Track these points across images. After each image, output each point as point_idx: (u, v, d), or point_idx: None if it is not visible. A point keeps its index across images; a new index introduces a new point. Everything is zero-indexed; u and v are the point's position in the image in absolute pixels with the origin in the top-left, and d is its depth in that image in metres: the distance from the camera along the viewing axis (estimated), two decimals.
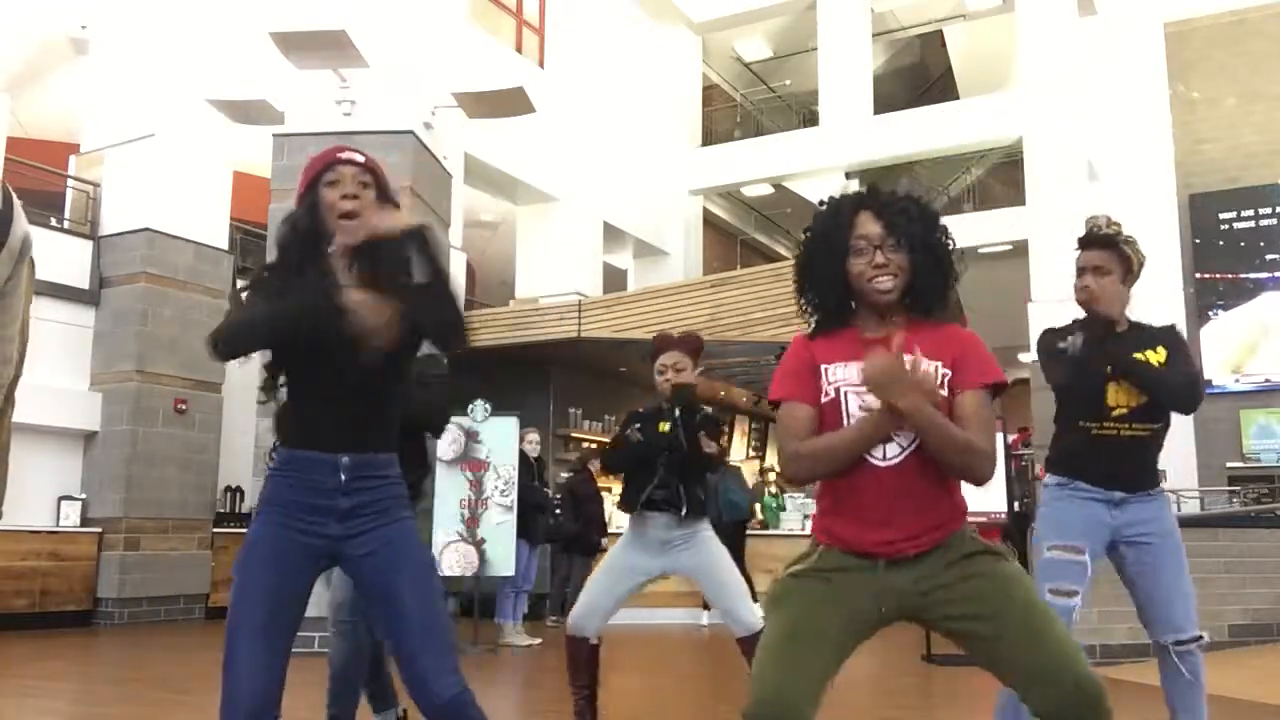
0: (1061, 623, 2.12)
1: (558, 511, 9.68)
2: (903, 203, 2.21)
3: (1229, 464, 15.48)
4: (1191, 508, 13.18)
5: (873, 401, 2.09)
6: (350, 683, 3.76)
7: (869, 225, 2.17)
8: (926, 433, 2.06)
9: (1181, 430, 16.19)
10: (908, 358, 2.03)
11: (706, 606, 9.54)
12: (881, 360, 2.03)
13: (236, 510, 11.22)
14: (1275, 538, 7.33)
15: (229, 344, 2.20)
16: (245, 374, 11.49)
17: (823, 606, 2.10)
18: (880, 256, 2.14)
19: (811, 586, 2.14)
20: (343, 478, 2.20)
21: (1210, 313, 16.51)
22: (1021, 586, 2.12)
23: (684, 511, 3.90)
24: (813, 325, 2.29)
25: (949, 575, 2.12)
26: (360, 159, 2.31)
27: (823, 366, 2.19)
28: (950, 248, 2.22)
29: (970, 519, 2.24)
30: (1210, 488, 14.65)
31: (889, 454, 2.12)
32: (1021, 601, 2.09)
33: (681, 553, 3.93)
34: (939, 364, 2.13)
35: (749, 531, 10.20)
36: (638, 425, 4.04)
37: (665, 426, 3.97)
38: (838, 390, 2.16)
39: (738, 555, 9.42)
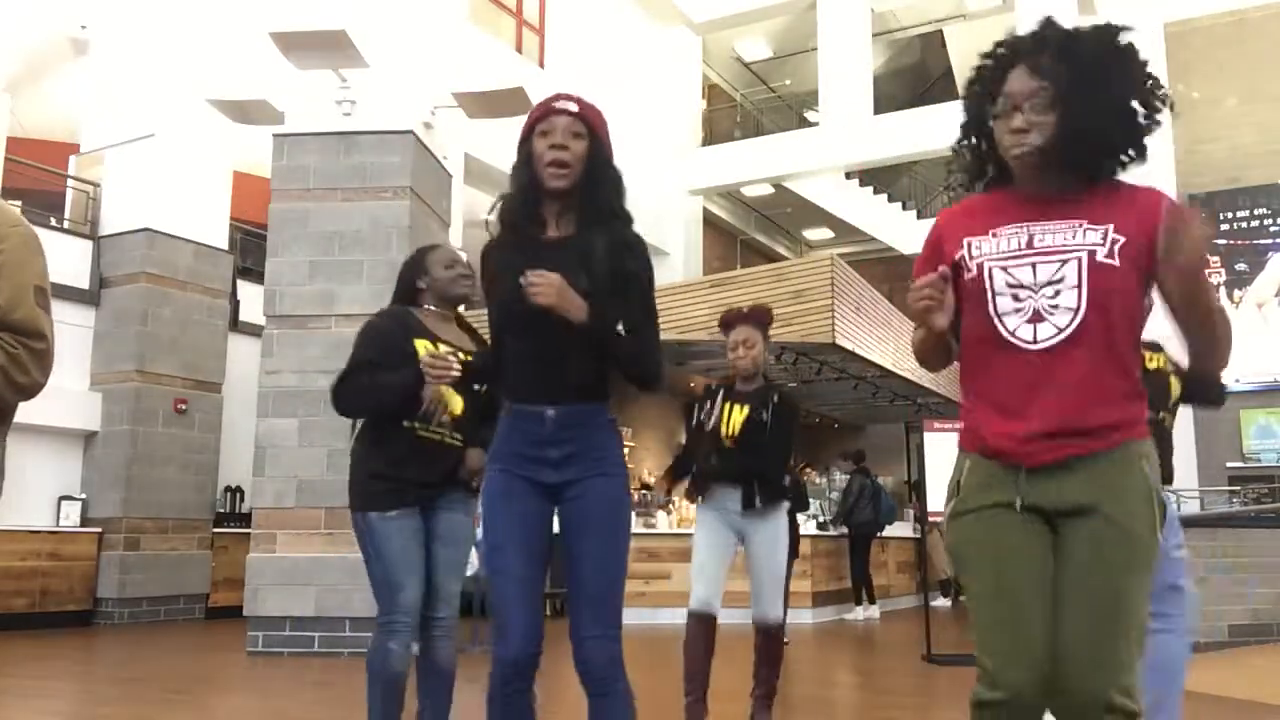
0: (1132, 623, 1.76)
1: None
2: (1064, 44, 1.85)
3: (1229, 464, 15.47)
4: (1191, 508, 13.17)
5: (1022, 277, 1.83)
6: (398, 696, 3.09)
7: (1017, 82, 1.85)
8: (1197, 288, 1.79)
9: (1182, 430, 16.23)
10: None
11: (859, 601, 10.85)
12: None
13: (236, 510, 11.20)
14: (1275, 538, 7.33)
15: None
16: (245, 374, 11.35)
17: (999, 552, 1.83)
18: (1019, 120, 1.83)
19: (973, 534, 1.89)
20: (548, 429, 2.21)
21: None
22: (1127, 557, 1.76)
23: None
24: (962, 190, 2.05)
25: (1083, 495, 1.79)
26: (574, 108, 2.25)
27: (965, 240, 1.93)
28: (1134, 89, 1.85)
29: None
30: (1210, 488, 14.64)
31: (1040, 335, 1.83)
32: (1103, 574, 1.76)
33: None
34: (1109, 227, 1.81)
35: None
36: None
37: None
38: (979, 266, 1.88)
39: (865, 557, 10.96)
